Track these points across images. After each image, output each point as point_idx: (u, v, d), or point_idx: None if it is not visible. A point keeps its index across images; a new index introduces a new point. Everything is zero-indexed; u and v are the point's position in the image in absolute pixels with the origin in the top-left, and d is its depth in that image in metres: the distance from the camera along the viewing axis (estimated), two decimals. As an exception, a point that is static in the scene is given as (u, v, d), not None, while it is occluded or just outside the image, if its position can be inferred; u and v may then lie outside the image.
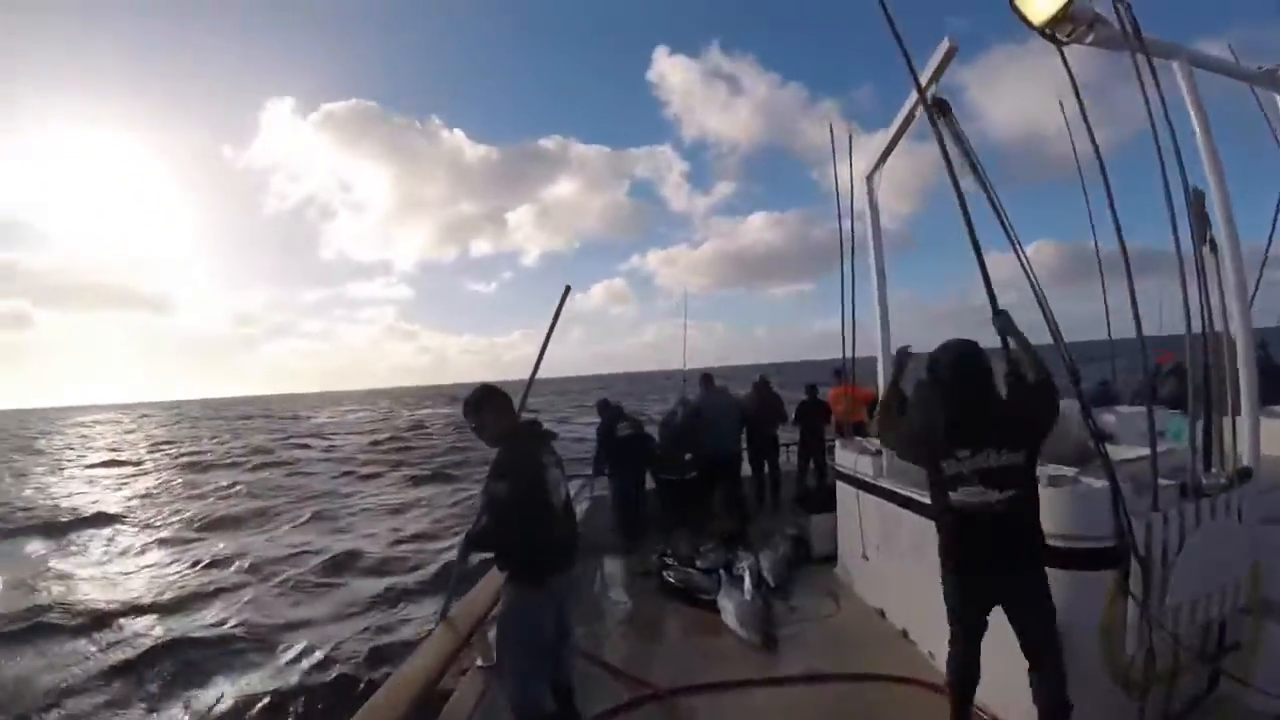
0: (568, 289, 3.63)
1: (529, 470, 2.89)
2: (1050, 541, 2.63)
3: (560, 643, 3.09)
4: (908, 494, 4.00)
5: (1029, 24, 3.14)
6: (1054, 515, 2.71)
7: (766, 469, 8.58)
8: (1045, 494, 2.70)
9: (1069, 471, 2.98)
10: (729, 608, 4.53)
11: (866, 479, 4.67)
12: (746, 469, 8.24)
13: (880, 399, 3.07)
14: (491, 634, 3.47)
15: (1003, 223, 3.28)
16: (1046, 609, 2.55)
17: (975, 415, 2.56)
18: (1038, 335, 2.93)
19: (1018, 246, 3.29)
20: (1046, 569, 2.56)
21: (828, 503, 5.70)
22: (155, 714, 6.55)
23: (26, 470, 30.28)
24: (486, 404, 3.04)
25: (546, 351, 3.43)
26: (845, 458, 5.11)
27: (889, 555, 4.41)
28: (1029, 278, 3.24)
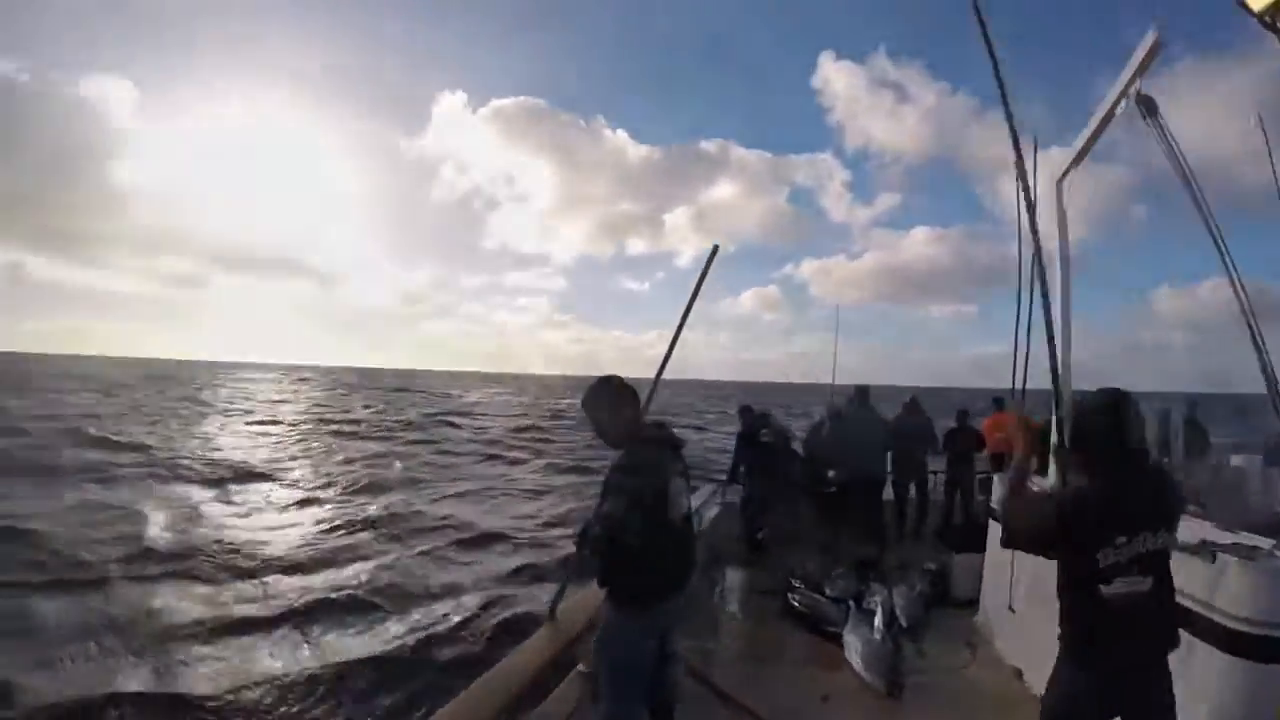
0: (715, 248, 3.47)
1: (651, 481, 2.56)
2: (1229, 624, 2.29)
3: (664, 662, 2.85)
4: None
5: (1247, 9, 2.74)
6: (1238, 594, 2.35)
7: (912, 495, 8.13)
8: (1231, 568, 2.35)
9: (1264, 543, 2.57)
10: (855, 645, 4.30)
11: None
12: (889, 493, 7.80)
13: (1010, 481, 2.53)
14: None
15: (1218, 243, 2.88)
16: (1170, 703, 2.17)
17: (1137, 490, 2.14)
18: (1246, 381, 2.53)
19: (1234, 273, 2.87)
20: (1218, 655, 2.22)
21: (974, 540, 5.31)
22: (280, 663, 6.77)
23: (192, 420, 32.42)
24: (608, 400, 2.71)
25: (684, 330, 3.32)
26: (1002, 494, 4.68)
27: (1039, 611, 3.99)
28: (1245, 312, 2.82)
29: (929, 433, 8.24)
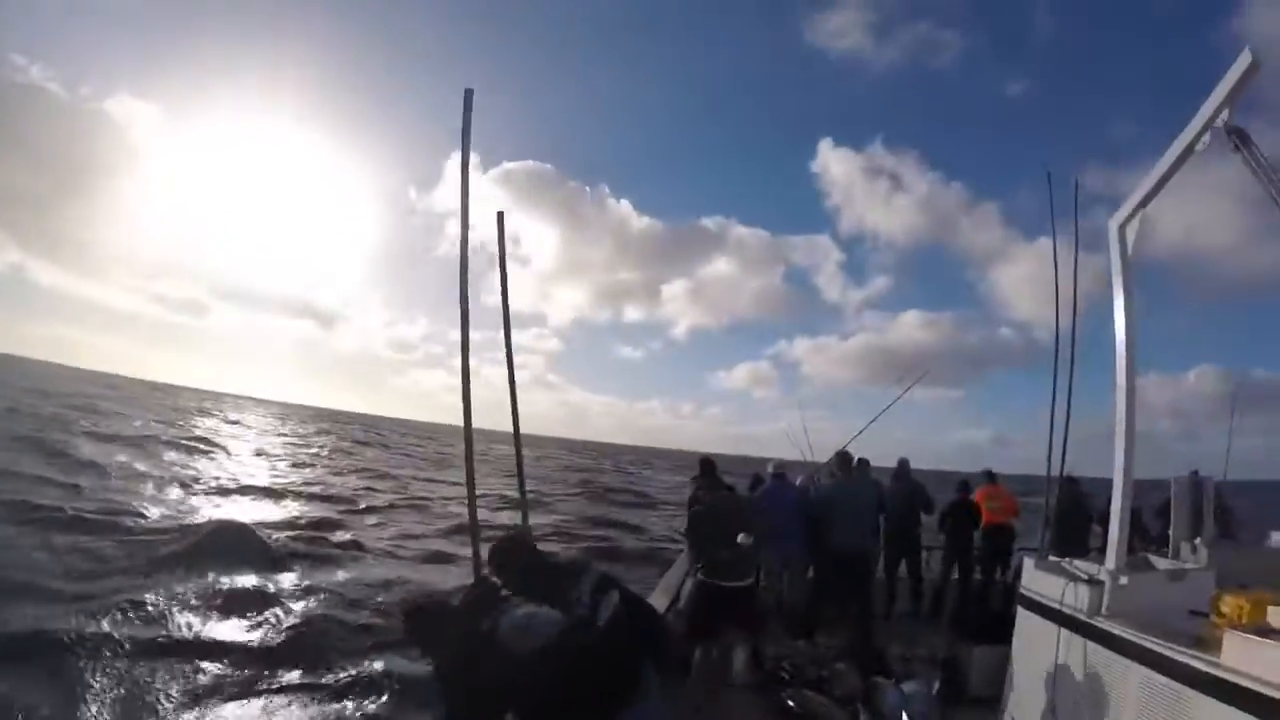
0: (500, 214, 3.72)
1: None
2: None
3: None
4: (1144, 642, 2.97)
5: None
6: None
7: (902, 573, 7.40)
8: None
9: None
10: None
11: (1077, 615, 3.60)
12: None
13: None
14: None
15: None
16: None
17: None
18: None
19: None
20: None
21: (991, 630, 4.63)
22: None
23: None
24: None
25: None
26: (1042, 580, 4.02)
27: (1092, 718, 3.31)
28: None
29: (925, 499, 7.56)
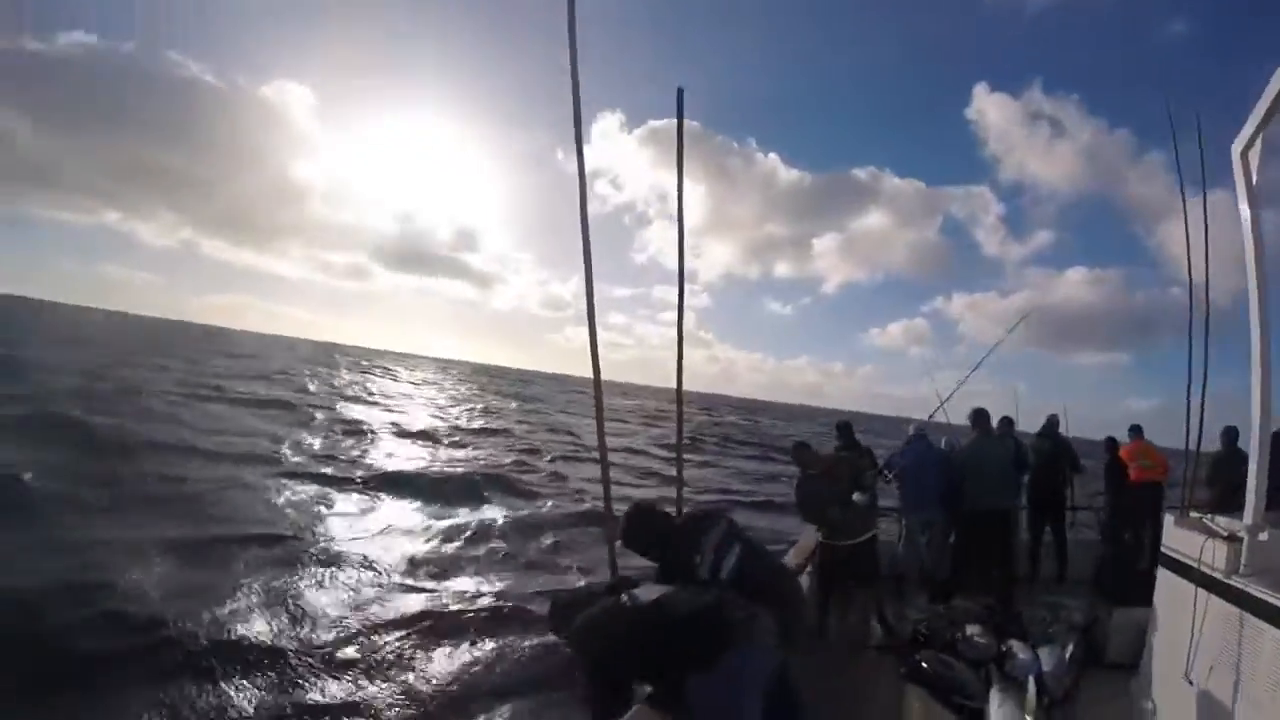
0: (680, 91, 3.66)
1: None
2: None
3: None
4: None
5: None
6: None
7: (1049, 534, 7.27)
8: None
9: None
10: None
11: (1214, 574, 3.52)
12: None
13: None
14: None
15: None
16: None
17: None
18: None
19: None
20: None
21: (1135, 592, 4.58)
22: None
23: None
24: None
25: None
26: (1182, 538, 3.91)
27: (1227, 683, 3.29)
28: None
29: (1072, 458, 7.37)
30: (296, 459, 16.45)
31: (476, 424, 31.05)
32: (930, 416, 7.00)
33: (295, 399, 30.13)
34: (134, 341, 60.33)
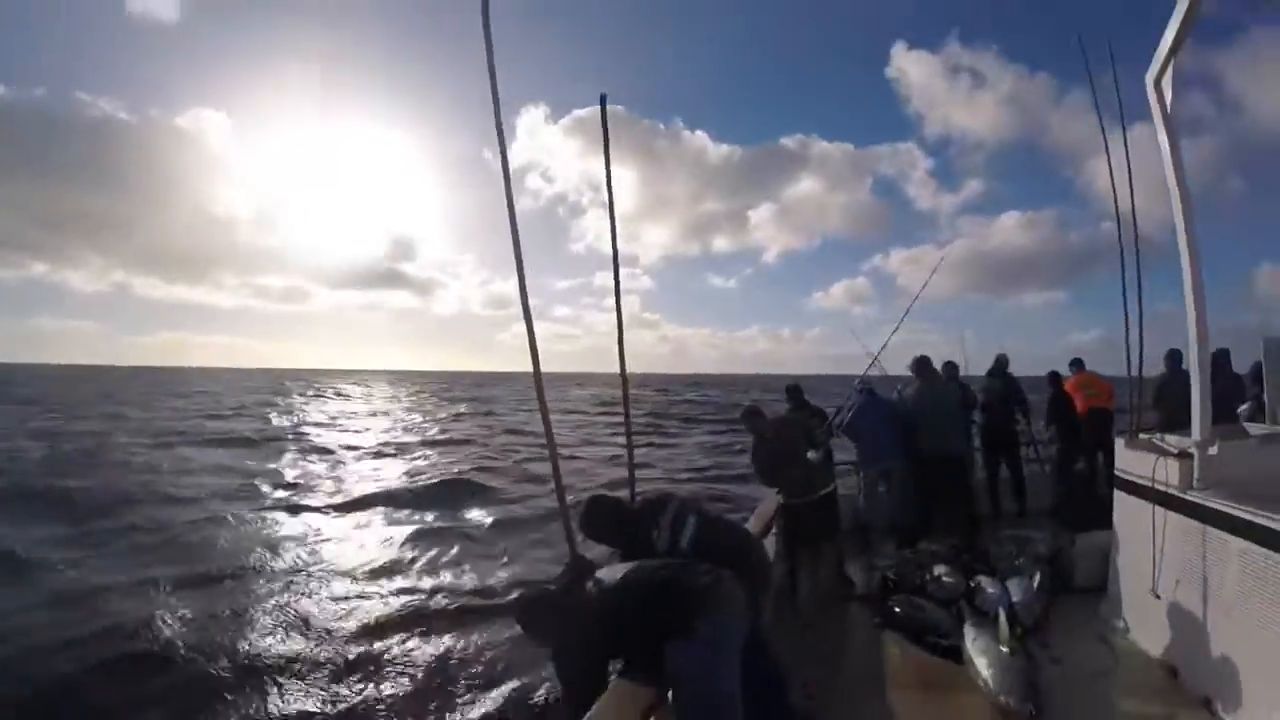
0: (603, 96, 3.77)
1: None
2: None
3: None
4: (1239, 514, 2.97)
5: None
6: None
7: (1005, 471, 7.35)
8: None
9: None
10: (980, 663, 3.56)
11: (1170, 491, 3.58)
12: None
13: None
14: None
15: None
16: None
17: None
18: None
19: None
20: None
21: (1094, 518, 4.64)
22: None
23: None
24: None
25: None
26: (1134, 460, 3.98)
27: (1194, 595, 3.35)
28: None
29: (1020, 397, 7.48)
30: (273, 492, 16.58)
31: (437, 435, 31.19)
32: (865, 372, 7.05)
33: (255, 432, 29.99)
34: (82, 393, 59.65)
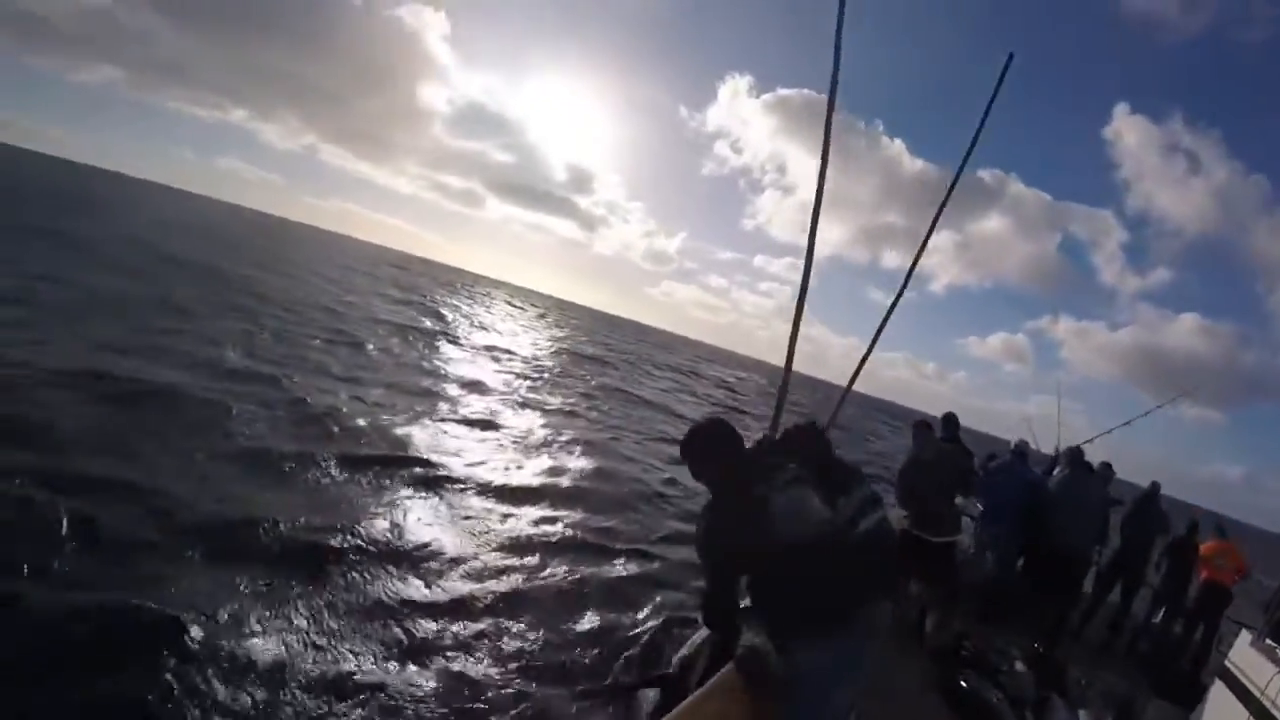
0: (1011, 56, 3.77)
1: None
2: None
3: None
4: None
5: None
6: None
7: (1119, 594, 7.19)
8: None
9: None
10: None
11: (1274, 711, 3.44)
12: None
13: None
14: None
15: None
16: None
17: None
18: None
19: None
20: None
21: (1176, 688, 4.68)
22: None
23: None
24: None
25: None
26: (1253, 662, 3.83)
27: None
28: None
29: (1162, 525, 7.13)
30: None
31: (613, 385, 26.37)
32: (1016, 440, 6.84)
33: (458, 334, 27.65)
34: (261, 244, 56.98)
